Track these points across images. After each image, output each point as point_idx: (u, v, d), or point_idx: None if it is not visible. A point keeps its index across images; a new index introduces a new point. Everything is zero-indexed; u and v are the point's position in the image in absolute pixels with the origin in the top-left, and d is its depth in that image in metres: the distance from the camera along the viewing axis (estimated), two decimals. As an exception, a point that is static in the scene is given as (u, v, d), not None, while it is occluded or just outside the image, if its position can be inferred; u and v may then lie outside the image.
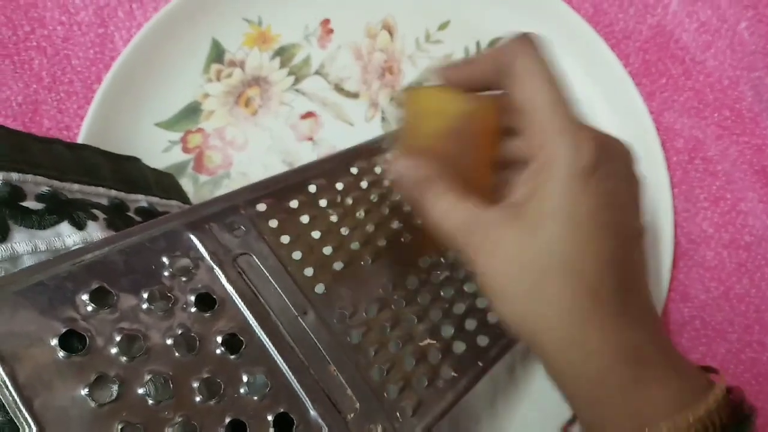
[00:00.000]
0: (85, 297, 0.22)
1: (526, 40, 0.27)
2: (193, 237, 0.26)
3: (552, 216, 0.25)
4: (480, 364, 0.31)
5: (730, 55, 0.41)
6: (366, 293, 0.30)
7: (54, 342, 0.21)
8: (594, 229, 0.25)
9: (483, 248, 0.26)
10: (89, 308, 0.22)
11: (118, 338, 0.22)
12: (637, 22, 0.42)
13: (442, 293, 0.32)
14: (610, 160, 0.25)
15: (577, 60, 0.41)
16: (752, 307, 0.39)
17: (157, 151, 0.41)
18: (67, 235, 0.26)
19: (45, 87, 0.41)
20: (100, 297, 0.23)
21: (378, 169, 0.34)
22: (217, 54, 0.42)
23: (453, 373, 0.30)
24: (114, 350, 0.22)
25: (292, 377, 0.25)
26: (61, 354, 0.21)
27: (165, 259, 0.25)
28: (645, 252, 0.28)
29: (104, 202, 0.29)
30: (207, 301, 0.25)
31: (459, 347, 0.31)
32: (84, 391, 0.21)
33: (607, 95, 0.41)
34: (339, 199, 0.31)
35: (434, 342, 0.30)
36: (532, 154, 0.26)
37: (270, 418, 0.24)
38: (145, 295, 0.24)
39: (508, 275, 0.25)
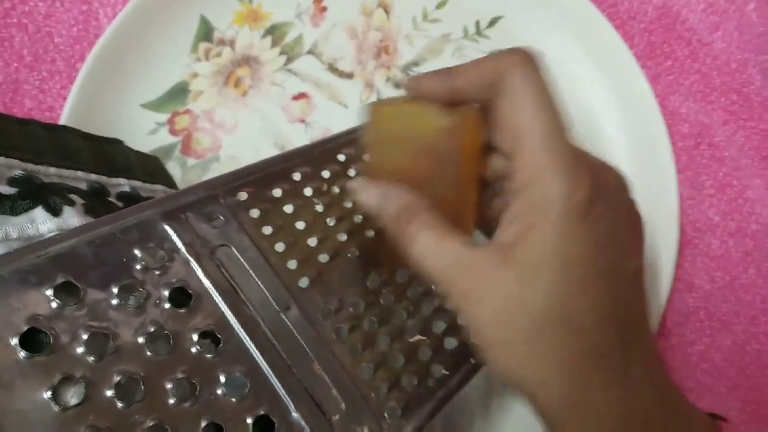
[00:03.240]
0: (49, 292, 0.21)
1: (521, 53, 0.24)
2: (168, 228, 0.25)
3: (545, 263, 0.22)
4: (472, 361, 0.30)
5: (738, 38, 0.40)
6: (353, 287, 0.28)
7: (15, 341, 0.20)
8: (592, 277, 0.22)
9: (471, 296, 0.23)
10: (54, 304, 0.21)
11: (85, 336, 0.21)
12: (643, 3, 0.41)
13: (433, 287, 0.31)
14: (606, 197, 0.23)
15: (580, 41, 0.40)
16: (758, 298, 0.38)
17: (143, 133, 0.39)
18: (41, 222, 0.24)
19: (26, 66, 0.40)
20: (66, 292, 0.21)
21: (367, 157, 0.32)
22: (205, 32, 0.41)
23: (444, 371, 0.29)
24: (81, 349, 0.21)
25: (274, 377, 0.24)
26: (22, 354, 0.20)
27: (137, 252, 0.23)
28: (645, 290, 0.26)
29: (83, 186, 0.28)
30: (182, 296, 0.24)
31: (450, 343, 0.30)
32: (47, 394, 0.20)
33: (611, 78, 0.40)
34: (325, 187, 0.30)
35: (424, 338, 0.29)
36: (521, 187, 0.23)
37: (249, 420, 0.23)
38: (115, 290, 0.22)
39: (500, 327, 0.23)
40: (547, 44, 0.40)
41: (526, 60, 0.23)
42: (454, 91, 0.25)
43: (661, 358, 0.25)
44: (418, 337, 0.29)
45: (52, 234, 0.24)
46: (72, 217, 0.25)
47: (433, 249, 0.24)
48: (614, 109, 0.40)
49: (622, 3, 0.41)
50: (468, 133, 0.26)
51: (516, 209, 0.23)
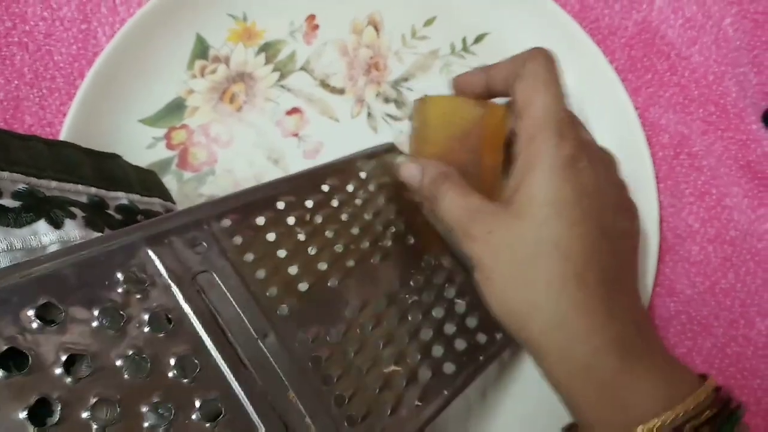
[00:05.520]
0: (30, 312, 0.21)
1: (541, 50, 0.29)
2: (151, 252, 0.25)
3: (537, 202, 0.26)
4: (446, 392, 0.30)
5: (715, 51, 0.41)
6: (331, 316, 0.29)
7: None
8: (578, 213, 0.26)
9: (479, 237, 0.27)
10: (35, 325, 0.21)
11: (63, 357, 0.21)
12: (623, 18, 0.42)
13: (409, 317, 0.31)
14: (591, 158, 0.28)
15: (563, 55, 0.40)
16: (737, 302, 0.39)
17: (141, 147, 0.40)
18: (43, 234, 0.25)
19: (27, 83, 0.41)
20: (47, 313, 0.21)
21: (350, 188, 0.33)
22: (201, 50, 0.42)
23: (417, 402, 0.29)
24: (58, 371, 0.20)
25: (249, 403, 0.24)
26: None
27: (120, 275, 0.23)
28: (636, 256, 0.30)
29: (83, 199, 0.29)
30: (162, 320, 0.24)
31: (424, 375, 0.30)
32: (22, 415, 0.19)
33: (592, 91, 0.41)
34: (308, 217, 0.30)
35: (399, 369, 0.29)
36: (522, 146, 0.28)
37: None
38: (96, 313, 0.22)
39: (498, 260, 0.27)
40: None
41: (543, 54, 0.29)
42: (488, 81, 0.32)
43: (646, 314, 0.29)
44: (393, 367, 0.29)
45: (54, 244, 0.25)
46: (73, 230, 0.26)
47: (457, 202, 0.29)
48: (596, 121, 0.40)
49: (603, 19, 0.42)
50: (497, 121, 0.31)
51: (518, 163, 0.28)
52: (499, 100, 0.33)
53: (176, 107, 0.41)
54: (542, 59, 0.29)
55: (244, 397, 0.24)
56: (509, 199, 0.28)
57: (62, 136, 0.38)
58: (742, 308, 0.39)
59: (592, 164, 0.27)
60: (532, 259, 0.26)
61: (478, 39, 0.42)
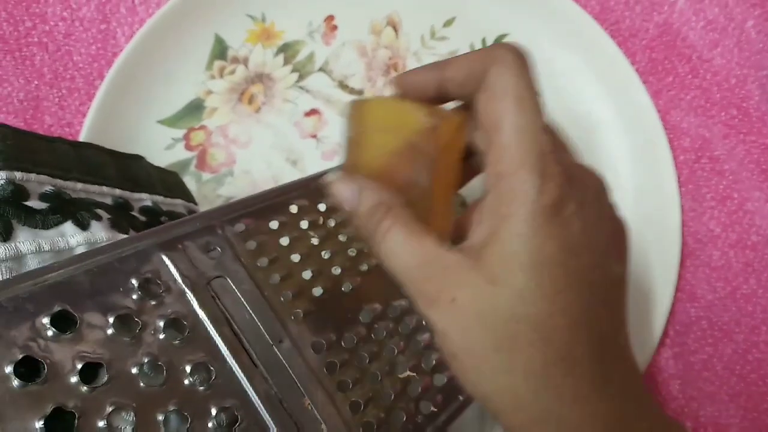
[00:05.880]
0: (45, 320, 0.21)
1: (509, 48, 0.23)
2: (165, 258, 0.24)
3: (513, 266, 0.21)
4: (460, 398, 0.29)
5: (738, 54, 0.41)
6: (346, 321, 0.28)
7: (8, 369, 0.19)
8: (563, 280, 0.21)
9: (438, 300, 0.22)
10: (50, 332, 0.20)
11: (79, 366, 0.20)
12: (644, 20, 0.42)
13: (424, 322, 0.30)
14: (579, 199, 0.22)
15: (584, 58, 0.41)
16: (759, 308, 0.39)
17: (160, 148, 0.40)
18: (70, 235, 0.25)
19: (47, 83, 0.41)
20: (62, 320, 0.21)
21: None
22: (220, 50, 0.42)
23: (432, 408, 0.28)
24: (74, 379, 0.20)
25: (265, 411, 0.24)
26: (15, 383, 0.19)
27: (134, 281, 0.23)
28: (626, 299, 0.24)
29: (108, 201, 0.29)
30: (177, 327, 0.23)
31: (439, 380, 0.29)
32: (39, 424, 0.19)
33: (613, 94, 0.41)
34: (321, 220, 0.30)
35: (414, 374, 0.29)
36: (492, 183, 0.22)
37: None
38: (111, 320, 0.22)
39: (466, 337, 0.21)
40: (551, 60, 0.41)
41: (512, 55, 0.22)
42: (442, 83, 0.25)
43: (637, 368, 0.24)
44: (408, 373, 0.29)
45: (81, 246, 0.25)
46: (99, 231, 0.26)
47: (404, 246, 0.23)
48: (617, 124, 0.40)
49: (623, 21, 0.42)
50: (451, 134, 0.25)
51: (487, 207, 0.22)
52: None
53: (195, 108, 0.41)
54: (511, 62, 0.22)
55: (260, 404, 0.24)
56: (477, 252, 0.22)
57: (82, 137, 0.38)
58: (764, 314, 0.38)
59: (580, 203, 0.22)
60: (508, 342, 0.21)
61: (498, 40, 0.42)
